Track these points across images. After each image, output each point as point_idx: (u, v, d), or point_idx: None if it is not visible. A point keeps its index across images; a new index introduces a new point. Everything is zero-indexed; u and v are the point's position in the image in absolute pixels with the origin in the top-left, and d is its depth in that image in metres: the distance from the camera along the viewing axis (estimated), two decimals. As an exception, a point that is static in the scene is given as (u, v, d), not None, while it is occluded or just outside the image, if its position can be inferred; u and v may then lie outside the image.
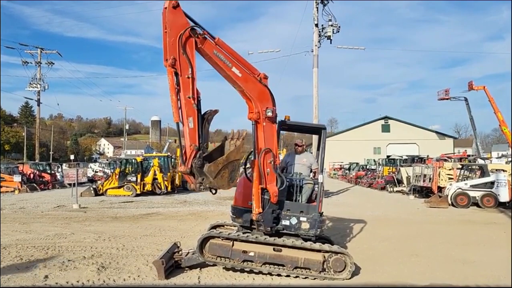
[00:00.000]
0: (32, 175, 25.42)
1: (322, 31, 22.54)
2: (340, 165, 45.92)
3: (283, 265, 5.61)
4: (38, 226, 10.18)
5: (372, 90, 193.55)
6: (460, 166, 17.90)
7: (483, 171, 16.42)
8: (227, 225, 7.55)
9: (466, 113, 34.26)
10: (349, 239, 8.65)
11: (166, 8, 4.89)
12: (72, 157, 47.19)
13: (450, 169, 17.87)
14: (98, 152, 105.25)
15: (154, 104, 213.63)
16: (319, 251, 5.65)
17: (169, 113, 5.22)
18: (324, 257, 5.64)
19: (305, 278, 5.59)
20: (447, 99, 37.31)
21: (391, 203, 17.17)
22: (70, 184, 20.02)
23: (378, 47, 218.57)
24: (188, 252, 6.03)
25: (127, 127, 75.03)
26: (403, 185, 21.97)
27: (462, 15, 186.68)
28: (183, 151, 4.99)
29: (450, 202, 15.23)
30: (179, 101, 4.93)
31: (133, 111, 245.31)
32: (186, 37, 4.97)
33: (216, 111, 5.38)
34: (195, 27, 5.09)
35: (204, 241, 5.74)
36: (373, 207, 15.15)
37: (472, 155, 29.29)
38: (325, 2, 21.96)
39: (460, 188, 15.40)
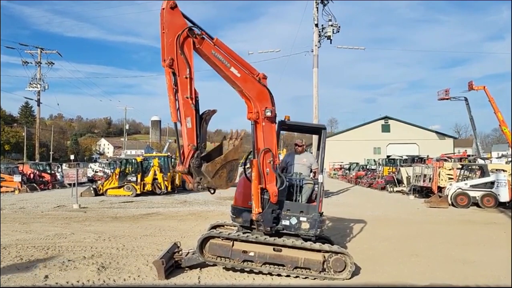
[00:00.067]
0: (32, 175, 25.42)
1: (322, 31, 22.54)
2: (340, 165, 45.89)
3: (283, 265, 5.61)
4: (38, 226, 10.18)
5: (372, 90, 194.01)
6: (460, 166, 17.89)
7: (483, 171, 16.41)
8: (227, 225, 7.54)
9: (466, 113, 34.26)
10: (349, 239, 8.65)
11: (164, 8, 4.89)
12: (72, 157, 47.27)
13: (450, 169, 17.87)
14: (98, 152, 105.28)
15: (154, 104, 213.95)
16: (319, 251, 5.65)
17: (169, 113, 5.30)
18: (324, 257, 5.64)
19: (305, 278, 5.59)
20: (447, 99, 37.25)
21: (391, 203, 17.16)
22: (70, 184, 20.06)
23: (378, 47, 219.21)
24: (188, 252, 6.03)
25: (127, 127, 75.01)
26: (403, 185, 21.97)
27: (462, 15, 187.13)
28: (181, 151, 5.00)
29: (450, 202, 15.23)
30: (177, 101, 4.96)
31: (133, 111, 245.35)
32: (184, 37, 4.98)
33: (214, 111, 5.38)
34: (193, 28, 5.10)
35: (204, 241, 5.74)
36: (373, 207, 15.14)
37: (472, 155, 29.28)
38: (325, 2, 21.98)
39: (460, 188, 15.40)
